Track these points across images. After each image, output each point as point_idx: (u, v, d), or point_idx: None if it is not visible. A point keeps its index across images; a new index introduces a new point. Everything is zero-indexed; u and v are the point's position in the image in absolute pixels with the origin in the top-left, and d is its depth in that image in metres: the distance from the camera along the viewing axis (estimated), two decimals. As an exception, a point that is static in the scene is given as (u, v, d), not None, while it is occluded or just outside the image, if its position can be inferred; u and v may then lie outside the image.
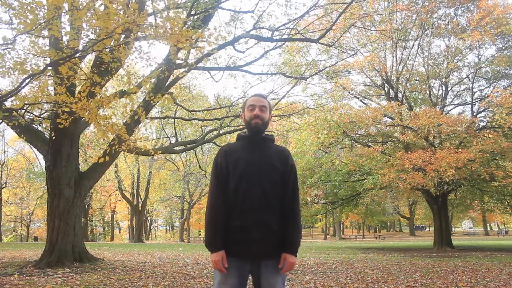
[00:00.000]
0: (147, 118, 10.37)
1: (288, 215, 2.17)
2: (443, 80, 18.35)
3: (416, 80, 19.07)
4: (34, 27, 4.54)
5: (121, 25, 4.20)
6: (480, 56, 18.09)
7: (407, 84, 18.38)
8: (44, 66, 5.31)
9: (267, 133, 2.33)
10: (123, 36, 5.81)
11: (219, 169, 2.19)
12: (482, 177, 13.91)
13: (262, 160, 2.20)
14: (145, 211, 35.55)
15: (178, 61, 9.59)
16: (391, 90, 18.43)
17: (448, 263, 10.23)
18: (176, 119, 16.74)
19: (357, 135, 17.59)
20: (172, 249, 18.61)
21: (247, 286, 2.24)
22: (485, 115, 18.12)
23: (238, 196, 2.13)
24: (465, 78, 18.77)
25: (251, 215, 2.10)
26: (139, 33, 4.67)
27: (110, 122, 6.13)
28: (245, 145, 2.26)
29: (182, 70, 9.99)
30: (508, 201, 16.81)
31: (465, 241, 28.08)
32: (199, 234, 53.42)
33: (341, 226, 50.79)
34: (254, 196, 2.12)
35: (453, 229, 47.63)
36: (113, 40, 4.96)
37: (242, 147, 2.25)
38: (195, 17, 9.19)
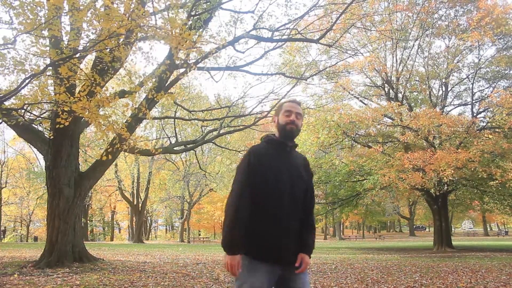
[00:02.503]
0: (147, 118, 10.36)
1: (307, 219, 2.27)
2: (443, 80, 18.34)
3: (416, 80, 19.07)
4: (34, 27, 4.54)
5: (122, 26, 4.21)
6: (480, 57, 18.11)
7: (407, 85, 18.38)
8: (44, 66, 5.32)
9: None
10: (123, 36, 5.82)
11: (252, 170, 2.13)
12: (480, 176, 13.91)
13: (292, 168, 2.23)
14: (145, 211, 35.54)
15: (178, 62, 9.59)
16: (391, 90, 18.43)
17: (448, 263, 10.23)
18: (176, 119, 16.74)
19: (357, 136, 17.59)
20: (172, 249, 18.61)
21: None
22: (485, 115, 18.12)
23: (269, 201, 2.12)
24: (465, 78, 18.78)
25: (282, 221, 2.13)
26: (140, 34, 4.68)
27: (110, 121, 6.13)
28: (275, 150, 2.24)
29: (182, 70, 9.99)
30: (508, 201, 16.81)
31: (465, 242, 28.08)
32: (199, 234, 53.43)
33: (341, 227, 50.78)
34: (285, 203, 2.14)
35: (453, 229, 47.58)
36: (113, 40, 4.96)
37: (272, 152, 2.22)
38: (196, 17, 9.19)
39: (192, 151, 18.76)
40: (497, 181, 13.49)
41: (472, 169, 13.32)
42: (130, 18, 4.33)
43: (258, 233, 2.09)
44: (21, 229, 41.54)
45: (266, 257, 2.09)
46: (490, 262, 10.61)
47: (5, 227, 39.27)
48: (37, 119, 8.18)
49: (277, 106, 2.50)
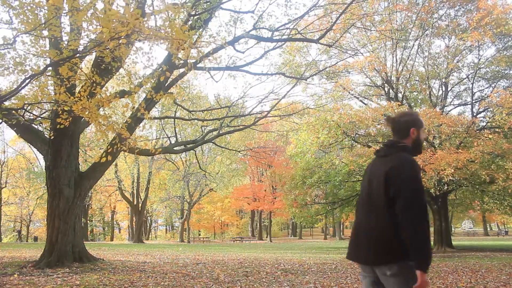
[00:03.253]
0: (146, 118, 10.37)
1: None
2: (443, 80, 18.34)
3: (416, 80, 19.06)
4: (34, 27, 4.54)
5: (122, 31, 4.21)
6: (480, 57, 18.10)
7: (407, 84, 18.37)
8: (44, 66, 5.32)
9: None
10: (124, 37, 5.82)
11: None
12: (482, 179, 13.88)
13: None
14: (145, 211, 35.53)
15: (177, 62, 9.59)
16: (391, 90, 18.43)
17: (448, 263, 10.23)
18: (176, 119, 16.74)
19: (357, 135, 17.56)
20: (172, 249, 18.61)
21: None
22: (485, 115, 18.12)
23: None
24: (465, 78, 18.77)
25: None
26: (140, 36, 4.67)
27: (110, 121, 6.13)
28: None
29: (182, 70, 10.00)
30: (508, 201, 16.79)
31: (465, 241, 28.07)
32: (199, 234, 53.41)
33: (341, 226, 50.76)
34: None
35: (453, 229, 47.53)
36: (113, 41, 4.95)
37: None
38: (195, 17, 9.19)
39: (192, 151, 18.76)
40: (498, 185, 13.43)
41: (473, 170, 13.29)
42: (130, 23, 4.32)
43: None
44: (21, 229, 41.53)
45: None
46: (490, 262, 10.61)
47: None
48: (37, 119, 8.19)
49: (413, 118, 2.45)
